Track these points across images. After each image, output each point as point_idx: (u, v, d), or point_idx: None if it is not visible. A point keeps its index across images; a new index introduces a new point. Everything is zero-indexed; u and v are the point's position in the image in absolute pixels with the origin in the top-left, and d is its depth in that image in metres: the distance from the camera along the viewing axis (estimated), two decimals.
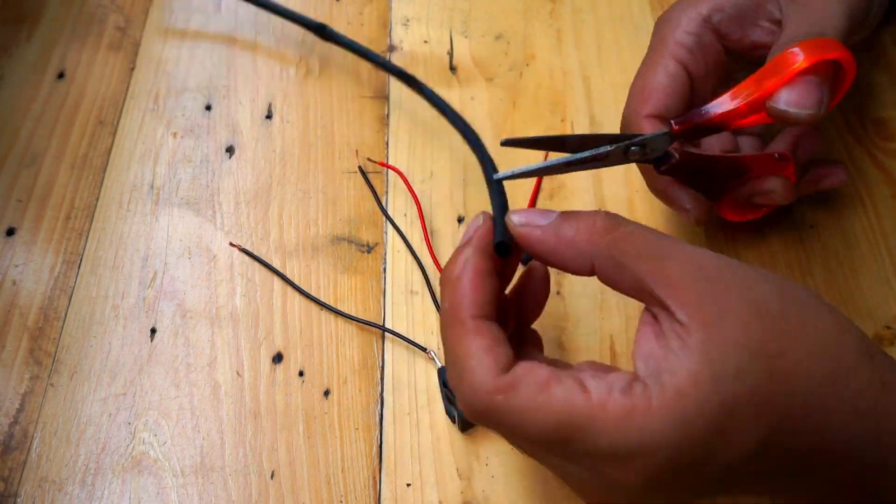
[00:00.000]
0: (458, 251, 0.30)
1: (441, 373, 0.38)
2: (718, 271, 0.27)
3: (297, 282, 0.43)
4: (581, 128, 0.48)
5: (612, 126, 0.48)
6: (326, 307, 0.42)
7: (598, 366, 0.29)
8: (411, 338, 0.41)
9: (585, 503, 0.29)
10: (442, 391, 0.38)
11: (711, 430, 0.25)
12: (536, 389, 0.26)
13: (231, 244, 0.44)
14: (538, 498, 0.37)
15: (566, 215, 0.30)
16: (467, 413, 0.28)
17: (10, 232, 0.45)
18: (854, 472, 0.27)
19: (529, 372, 0.26)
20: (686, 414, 0.25)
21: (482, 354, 0.27)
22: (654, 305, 0.27)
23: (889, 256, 0.43)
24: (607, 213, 0.29)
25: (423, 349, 0.40)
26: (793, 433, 0.26)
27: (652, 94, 0.37)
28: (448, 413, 0.38)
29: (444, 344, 0.29)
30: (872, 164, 0.46)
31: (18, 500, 0.37)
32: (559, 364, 0.29)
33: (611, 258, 0.28)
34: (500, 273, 0.31)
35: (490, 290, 0.29)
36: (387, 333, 0.41)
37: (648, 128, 0.36)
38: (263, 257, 0.44)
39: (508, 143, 0.32)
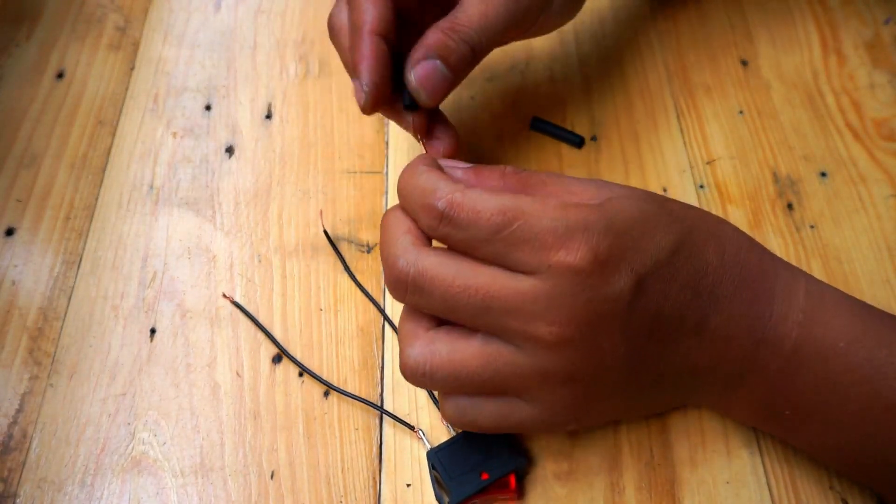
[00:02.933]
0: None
1: (430, 456, 0.36)
2: (605, 181, 0.34)
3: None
4: (581, 128, 0.48)
5: (612, 124, 0.48)
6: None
7: None
8: None
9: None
10: (431, 474, 0.36)
11: (633, 223, 0.31)
12: (489, 190, 0.31)
13: (224, 296, 0.42)
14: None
15: (483, 165, 0.35)
16: (428, 225, 0.31)
17: (10, 232, 0.45)
18: (752, 295, 0.33)
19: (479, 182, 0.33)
20: (611, 208, 0.31)
21: (437, 175, 0.32)
22: None
23: (889, 256, 0.43)
24: (512, 166, 0.34)
25: (412, 427, 0.38)
26: (698, 252, 0.32)
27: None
28: (438, 499, 0.36)
29: (404, 190, 0.33)
30: (872, 163, 0.46)
31: (18, 500, 0.37)
32: None
33: (521, 190, 0.33)
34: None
35: (436, 165, 0.34)
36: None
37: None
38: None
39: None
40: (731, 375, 0.34)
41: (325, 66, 0.52)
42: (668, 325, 0.32)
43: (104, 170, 0.48)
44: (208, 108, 0.50)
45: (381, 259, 0.33)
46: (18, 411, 0.39)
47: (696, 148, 0.47)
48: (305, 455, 0.38)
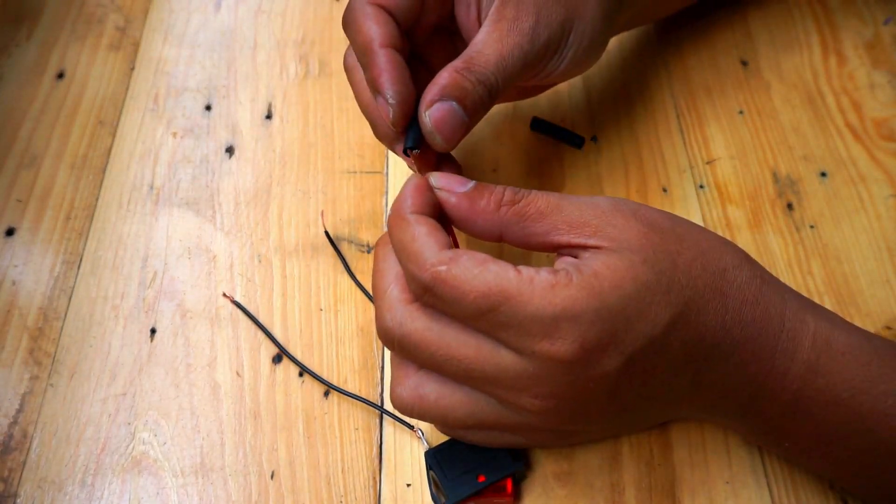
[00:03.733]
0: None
1: (427, 457, 0.36)
2: (611, 205, 0.31)
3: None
4: (581, 128, 0.48)
5: (612, 124, 0.48)
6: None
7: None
8: None
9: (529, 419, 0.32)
10: (428, 475, 0.36)
11: (627, 301, 0.29)
12: (474, 263, 0.29)
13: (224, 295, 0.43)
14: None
15: (481, 187, 0.32)
16: (414, 291, 0.30)
17: (10, 232, 0.45)
18: (751, 355, 0.31)
19: (468, 252, 0.30)
20: (602, 287, 0.29)
21: (425, 237, 0.30)
22: (564, 250, 0.31)
23: (889, 256, 0.43)
24: (512, 188, 0.32)
25: (411, 427, 0.38)
26: (697, 319, 0.30)
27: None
28: (434, 500, 0.36)
29: (392, 242, 0.32)
30: (872, 163, 0.46)
31: (18, 500, 0.37)
32: None
33: (517, 224, 0.31)
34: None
35: (429, 199, 0.32)
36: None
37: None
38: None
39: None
40: (726, 415, 0.35)
41: (325, 66, 0.52)
42: (659, 385, 0.32)
43: (104, 170, 0.48)
44: (208, 108, 0.50)
45: (373, 295, 0.33)
46: (19, 411, 0.39)
47: (696, 148, 0.47)
48: (305, 455, 0.38)
